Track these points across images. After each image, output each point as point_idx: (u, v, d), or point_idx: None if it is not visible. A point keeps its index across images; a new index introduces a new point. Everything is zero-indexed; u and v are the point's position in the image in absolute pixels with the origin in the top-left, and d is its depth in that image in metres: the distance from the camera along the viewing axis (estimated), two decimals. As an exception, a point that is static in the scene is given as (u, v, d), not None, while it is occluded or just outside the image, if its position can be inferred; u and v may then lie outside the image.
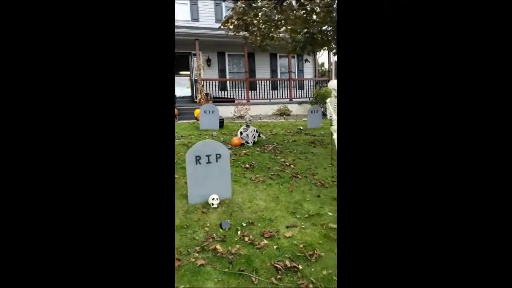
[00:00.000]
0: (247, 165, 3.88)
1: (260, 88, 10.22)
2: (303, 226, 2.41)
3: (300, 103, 10.18)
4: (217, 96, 10.34)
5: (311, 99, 10.17)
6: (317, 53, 9.87)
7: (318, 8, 4.12)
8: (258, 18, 4.53)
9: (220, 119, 6.47)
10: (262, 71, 11.04)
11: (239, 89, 10.08)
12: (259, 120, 8.22)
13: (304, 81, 11.20)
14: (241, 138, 4.96)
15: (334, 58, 9.67)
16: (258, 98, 10.16)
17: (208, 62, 10.26)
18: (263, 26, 4.79)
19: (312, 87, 10.94)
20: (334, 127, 3.33)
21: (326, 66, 12.93)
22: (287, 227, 2.37)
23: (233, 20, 4.58)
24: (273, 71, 11.06)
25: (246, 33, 5.11)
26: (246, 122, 5.10)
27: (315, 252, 2.04)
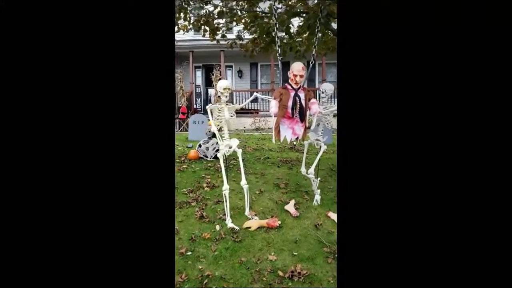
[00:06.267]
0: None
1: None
2: None
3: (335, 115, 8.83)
4: (247, 108, 10.03)
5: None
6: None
7: None
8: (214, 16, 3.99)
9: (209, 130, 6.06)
10: (299, 81, 10.13)
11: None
12: (265, 133, 7.43)
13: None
14: (198, 151, 4.42)
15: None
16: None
17: (240, 73, 10.06)
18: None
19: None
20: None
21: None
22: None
23: (191, 21, 4.13)
24: (311, 81, 10.01)
25: (217, 38, 4.59)
26: (207, 133, 4.54)
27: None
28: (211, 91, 10.48)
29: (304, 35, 3.76)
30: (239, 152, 2.55)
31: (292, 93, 2.37)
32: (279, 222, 2.38)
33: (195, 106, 10.15)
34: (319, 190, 2.81)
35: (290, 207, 2.64)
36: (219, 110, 2.46)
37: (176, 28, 4.19)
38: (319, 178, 2.86)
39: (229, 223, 2.37)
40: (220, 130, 2.53)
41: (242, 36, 4.68)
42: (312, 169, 2.70)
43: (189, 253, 2.02)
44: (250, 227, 2.33)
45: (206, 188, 3.15)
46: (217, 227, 2.36)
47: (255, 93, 2.82)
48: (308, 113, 2.47)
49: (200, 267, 1.89)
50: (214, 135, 4.61)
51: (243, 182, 2.53)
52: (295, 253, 2.03)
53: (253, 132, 7.70)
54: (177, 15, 3.78)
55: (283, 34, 3.77)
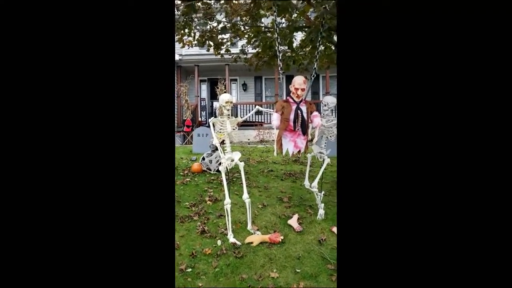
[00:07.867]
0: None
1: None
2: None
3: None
4: (252, 120, 10.08)
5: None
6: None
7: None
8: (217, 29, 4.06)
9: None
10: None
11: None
12: (270, 146, 7.41)
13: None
14: (202, 164, 4.41)
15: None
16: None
17: (244, 86, 10.16)
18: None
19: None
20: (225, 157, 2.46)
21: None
22: None
23: (192, 34, 4.15)
24: (314, 93, 10.05)
25: (222, 52, 4.65)
26: (210, 146, 4.54)
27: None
28: (216, 104, 10.57)
29: (307, 48, 3.80)
30: (241, 165, 2.53)
31: (294, 106, 2.36)
32: (282, 238, 2.33)
33: (200, 119, 10.23)
34: (323, 204, 2.75)
35: (293, 221, 2.59)
36: (221, 123, 2.46)
37: (181, 44, 4.27)
38: (323, 192, 2.81)
39: (231, 238, 2.32)
40: (222, 143, 2.52)
41: (246, 51, 4.75)
42: (315, 183, 2.66)
43: (189, 269, 1.98)
44: (252, 243, 2.28)
45: (208, 202, 3.11)
46: (219, 242, 2.31)
47: (257, 106, 2.82)
48: (310, 126, 2.46)
49: (200, 284, 1.84)
50: (217, 148, 4.62)
51: (245, 196, 2.49)
52: (298, 270, 1.97)
53: (257, 145, 7.70)
54: (182, 31, 3.86)
55: (286, 48, 3.82)
